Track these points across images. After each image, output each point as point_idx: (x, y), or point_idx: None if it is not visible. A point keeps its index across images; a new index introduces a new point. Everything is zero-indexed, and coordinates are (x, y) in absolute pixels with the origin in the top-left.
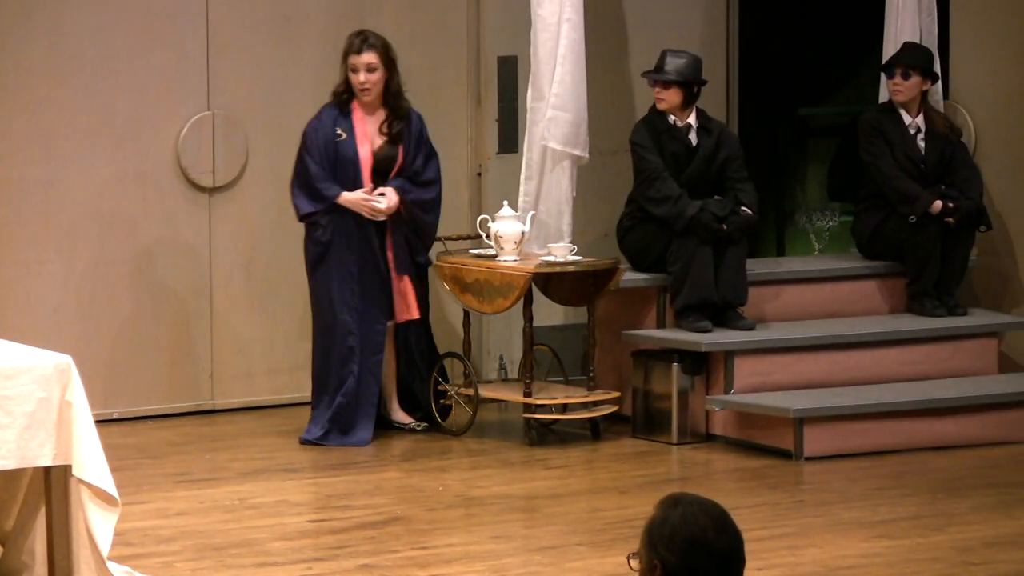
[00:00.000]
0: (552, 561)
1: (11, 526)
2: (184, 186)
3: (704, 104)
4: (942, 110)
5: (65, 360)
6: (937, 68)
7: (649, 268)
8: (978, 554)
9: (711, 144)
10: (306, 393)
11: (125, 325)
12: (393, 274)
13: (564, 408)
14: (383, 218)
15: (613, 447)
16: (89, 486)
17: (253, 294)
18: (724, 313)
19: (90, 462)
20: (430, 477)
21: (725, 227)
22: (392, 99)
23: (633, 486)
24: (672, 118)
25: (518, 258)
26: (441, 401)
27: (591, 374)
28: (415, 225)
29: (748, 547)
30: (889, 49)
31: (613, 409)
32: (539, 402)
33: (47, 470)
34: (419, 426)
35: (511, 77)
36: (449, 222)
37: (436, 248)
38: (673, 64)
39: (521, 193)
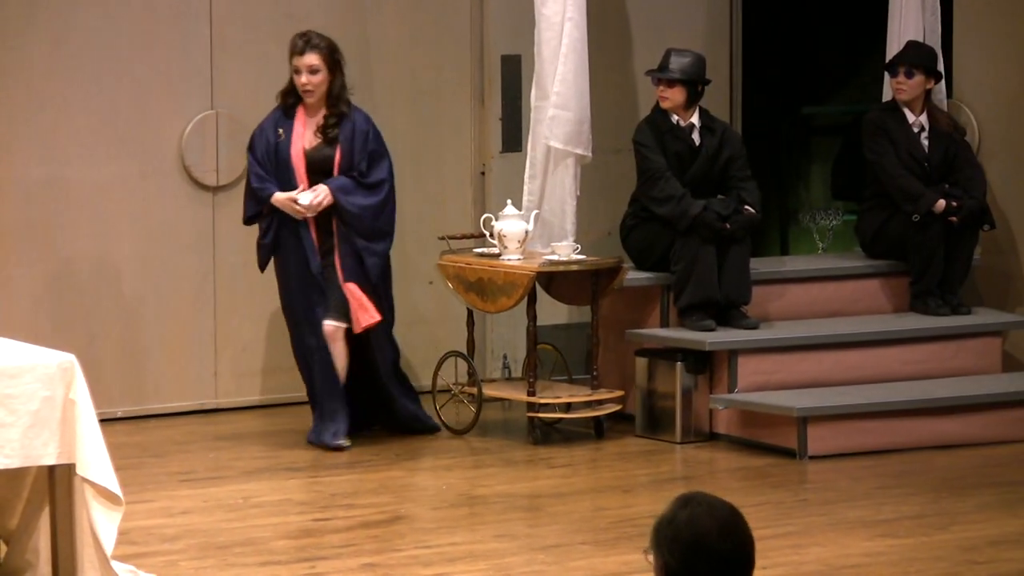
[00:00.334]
0: (556, 560)
1: (15, 525)
2: (188, 185)
3: (707, 103)
4: (946, 109)
5: (69, 359)
6: (940, 67)
7: (653, 267)
8: (982, 553)
9: (714, 144)
10: None
11: (129, 324)
12: (341, 279)
13: (568, 407)
14: (310, 215)
15: (617, 446)
16: (93, 485)
17: (256, 293)
18: (728, 312)
19: (94, 461)
20: (434, 476)
21: (728, 226)
22: (333, 101)
23: (637, 485)
24: (675, 118)
25: (522, 257)
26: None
27: (595, 373)
28: (359, 228)
29: None
30: (892, 48)
31: (617, 408)
32: (543, 401)
33: (51, 469)
34: (346, 444)
35: (515, 76)
36: (453, 221)
37: (440, 247)
38: (677, 63)
39: (525, 192)
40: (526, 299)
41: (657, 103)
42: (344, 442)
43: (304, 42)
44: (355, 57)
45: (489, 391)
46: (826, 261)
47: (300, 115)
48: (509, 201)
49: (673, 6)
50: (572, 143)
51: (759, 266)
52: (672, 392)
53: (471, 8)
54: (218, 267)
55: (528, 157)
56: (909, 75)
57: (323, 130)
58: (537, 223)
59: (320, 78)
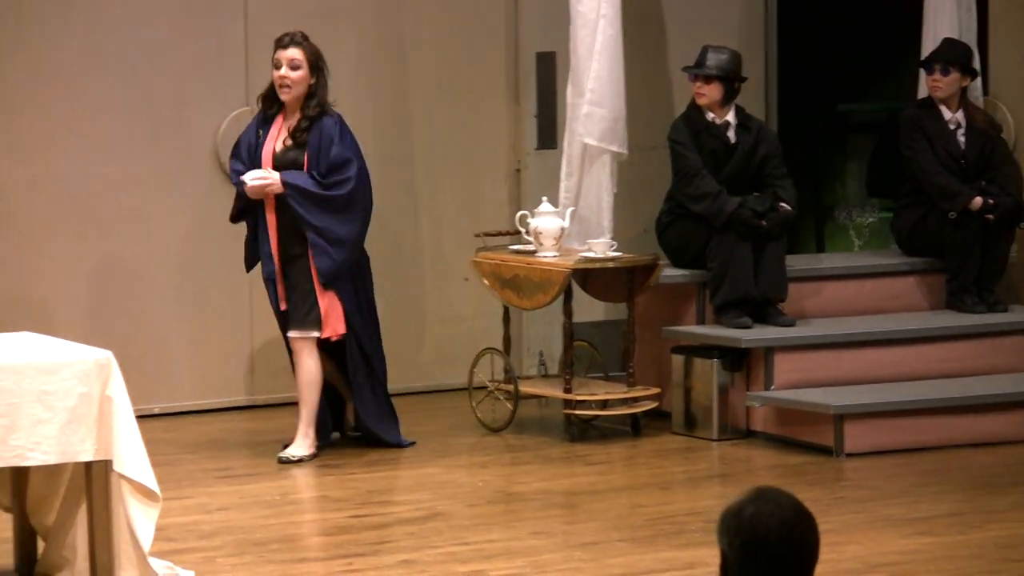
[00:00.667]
0: (593, 557)
1: (52, 521)
2: (223, 181)
3: (743, 100)
4: (982, 106)
5: (105, 355)
6: (976, 64)
7: (688, 264)
8: (1019, 551)
9: (750, 141)
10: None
11: (165, 320)
12: (316, 285)
13: (604, 404)
14: (255, 197)
15: (653, 443)
16: (130, 481)
17: None
18: (764, 309)
19: (131, 457)
20: (470, 473)
21: (764, 223)
22: (306, 104)
23: (674, 482)
24: (711, 115)
25: (557, 254)
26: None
27: (631, 370)
28: (307, 215)
29: None
30: (928, 45)
31: (653, 405)
32: (579, 398)
33: (88, 465)
34: (293, 458)
35: (549, 73)
36: (488, 218)
37: (475, 243)
38: (714, 59)
39: (562, 189)
40: (562, 296)
41: (693, 100)
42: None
43: (289, 38)
44: (391, 53)
45: (525, 388)
46: (862, 258)
47: (279, 119)
48: (544, 198)
49: (708, 2)
50: (607, 140)
51: (795, 263)
52: (708, 389)
53: (506, 5)
54: None
55: (564, 154)
56: (945, 72)
57: (293, 133)
58: (573, 220)
59: (299, 75)
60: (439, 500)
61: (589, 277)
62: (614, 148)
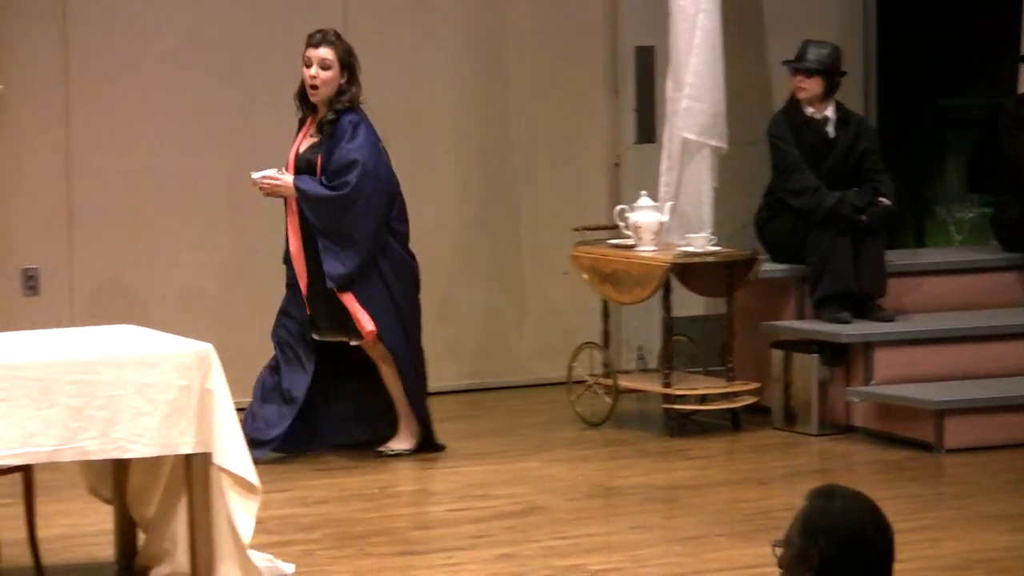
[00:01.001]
0: (692, 552)
1: (152, 513)
2: None
3: (842, 95)
4: None
5: (206, 348)
6: None
7: (787, 259)
8: None
9: (849, 136)
10: (447, 382)
11: (265, 312)
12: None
13: (703, 399)
14: (271, 196)
15: (753, 438)
16: (230, 474)
17: None
18: (863, 304)
19: (231, 450)
20: (569, 467)
21: (864, 218)
22: (332, 103)
23: (773, 477)
24: (810, 110)
25: (656, 248)
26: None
27: (730, 365)
28: (319, 233)
29: None
30: None
31: (753, 400)
32: (678, 392)
33: (188, 458)
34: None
35: (648, 67)
36: (587, 212)
37: (574, 238)
38: (815, 53)
39: (661, 183)
40: (661, 291)
41: (792, 95)
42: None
43: (322, 36)
44: (489, 48)
45: (624, 382)
46: (962, 254)
47: (308, 119)
48: (643, 192)
49: None
50: (707, 135)
51: (894, 258)
52: (808, 385)
53: (604, 0)
54: None
55: (664, 149)
56: None
57: (319, 129)
58: (673, 214)
59: (329, 75)
60: (538, 494)
61: (688, 272)
62: (713, 143)
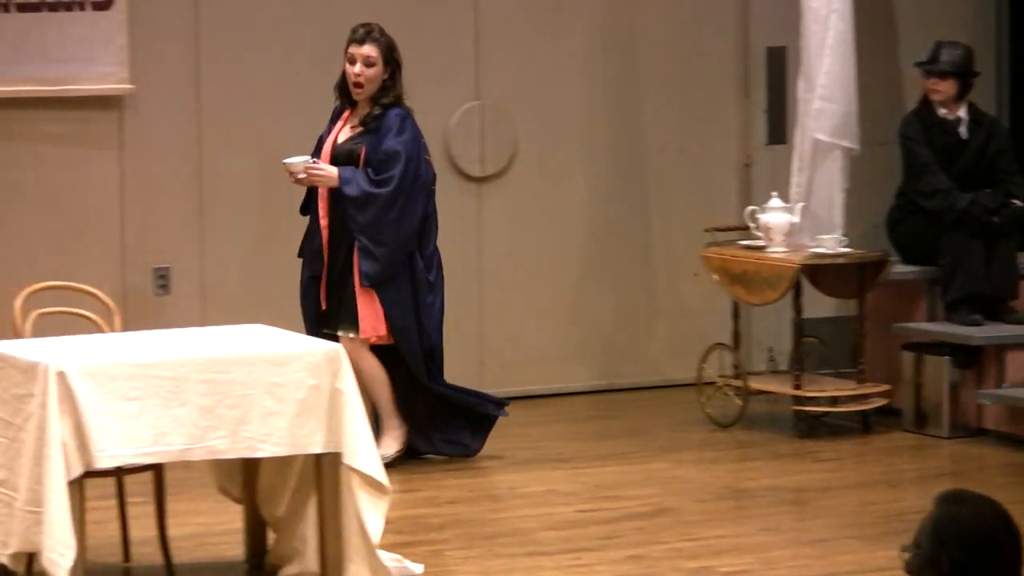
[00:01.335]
0: (822, 554)
1: (282, 512)
2: (453, 175)
3: (974, 96)
4: None
5: (335, 348)
6: None
7: (919, 260)
8: None
9: (982, 137)
10: (577, 383)
11: None
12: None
13: (834, 401)
14: (306, 185)
15: (884, 440)
16: (359, 474)
17: (521, 282)
18: (995, 307)
19: (360, 450)
20: (698, 469)
21: (996, 220)
22: (377, 97)
23: (904, 480)
24: (942, 111)
25: (787, 249)
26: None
27: (861, 367)
28: (359, 228)
29: None
30: None
31: (884, 402)
32: (809, 394)
33: (318, 457)
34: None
35: (780, 68)
36: (717, 213)
37: (705, 238)
38: (949, 55)
39: (793, 184)
40: (791, 292)
41: (924, 96)
42: None
43: (365, 32)
44: (621, 48)
45: (754, 384)
46: None
47: (346, 112)
48: (774, 193)
49: None
50: (838, 135)
51: None
52: (940, 387)
53: (736, 0)
54: (484, 257)
55: (796, 150)
56: None
57: (363, 122)
58: (804, 216)
59: (374, 72)
60: (667, 495)
61: (819, 273)
62: (845, 144)
